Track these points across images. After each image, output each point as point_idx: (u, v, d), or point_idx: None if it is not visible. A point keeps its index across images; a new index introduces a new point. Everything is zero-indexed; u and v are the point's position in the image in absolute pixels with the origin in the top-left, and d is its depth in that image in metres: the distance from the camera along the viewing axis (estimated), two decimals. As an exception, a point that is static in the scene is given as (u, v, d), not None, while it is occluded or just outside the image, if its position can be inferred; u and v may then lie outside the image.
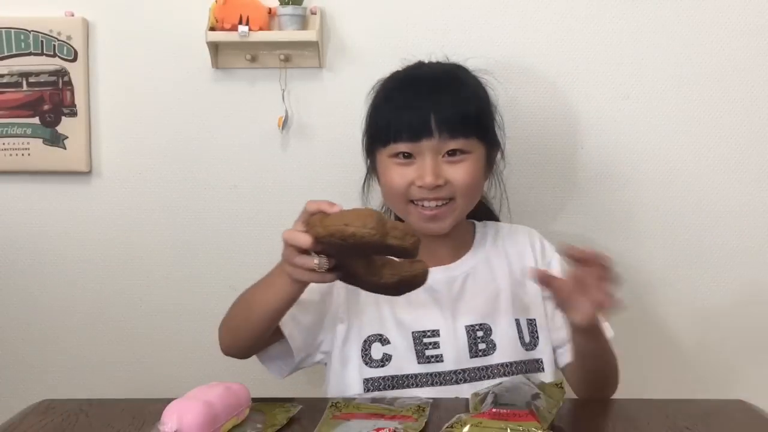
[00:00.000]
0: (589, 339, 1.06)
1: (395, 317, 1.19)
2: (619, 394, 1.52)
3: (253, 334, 1.10)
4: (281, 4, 1.46)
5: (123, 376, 1.58)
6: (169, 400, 0.87)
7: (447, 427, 0.86)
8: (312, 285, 1.11)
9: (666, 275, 1.56)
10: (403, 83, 1.23)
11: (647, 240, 1.55)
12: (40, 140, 1.52)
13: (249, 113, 1.53)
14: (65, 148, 1.52)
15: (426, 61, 1.29)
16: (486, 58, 1.51)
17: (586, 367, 1.14)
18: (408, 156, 1.17)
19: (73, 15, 1.50)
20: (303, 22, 1.46)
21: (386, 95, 1.24)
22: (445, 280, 1.21)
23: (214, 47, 1.49)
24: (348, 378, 1.18)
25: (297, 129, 1.53)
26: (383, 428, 0.88)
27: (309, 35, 1.45)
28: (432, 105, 1.15)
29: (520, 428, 0.82)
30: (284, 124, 1.51)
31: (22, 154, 1.52)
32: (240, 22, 1.43)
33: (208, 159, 1.55)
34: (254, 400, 0.97)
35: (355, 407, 0.98)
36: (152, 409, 0.95)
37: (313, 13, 1.48)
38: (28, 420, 0.98)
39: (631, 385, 1.57)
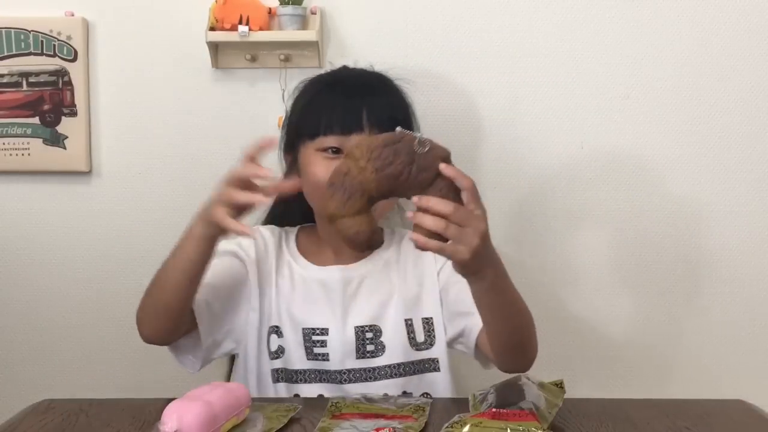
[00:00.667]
0: (483, 289, 1.04)
1: (289, 312, 1.21)
2: (618, 394, 1.52)
3: (170, 309, 1.10)
4: (281, 4, 1.46)
5: (123, 376, 1.58)
6: (169, 400, 0.87)
7: (447, 427, 0.86)
8: (225, 270, 1.15)
9: (666, 275, 1.56)
10: (334, 82, 1.29)
11: (647, 240, 1.55)
12: (40, 140, 1.52)
13: (249, 113, 1.53)
14: (65, 148, 1.52)
15: (350, 66, 1.34)
16: (487, 57, 1.52)
17: (497, 327, 1.10)
18: (336, 151, 1.19)
19: (73, 15, 1.50)
20: (303, 22, 1.46)
21: (316, 92, 1.27)
22: (341, 279, 1.22)
23: (214, 47, 1.49)
24: (263, 367, 1.20)
25: (297, 129, 1.52)
26: (383, 428, 0.88)
27: (309, 35, 1.45)
28: (364, 101, 1.20)
29: (520, 428, 0.82)
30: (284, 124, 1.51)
31: (22, 154, 1.52)
32: (240, 22, 1.43)
33: (208, 159, 1.55)
34: (254, 400, 0.97)
35: (355, 407, 0.98)
36: (152, 409, 0.96)
37: (313, 13, 1.48)
38: (28, 420, 0.98)
39: (631, 385, 1.58)
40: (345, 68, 1.34)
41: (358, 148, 0.95)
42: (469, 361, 1.26)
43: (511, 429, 0.82)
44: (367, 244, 0.96)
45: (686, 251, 1.56)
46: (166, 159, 1.55)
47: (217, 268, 1.14)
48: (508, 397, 0.91)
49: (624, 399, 1.07)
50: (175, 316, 1.11)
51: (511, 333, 1.10)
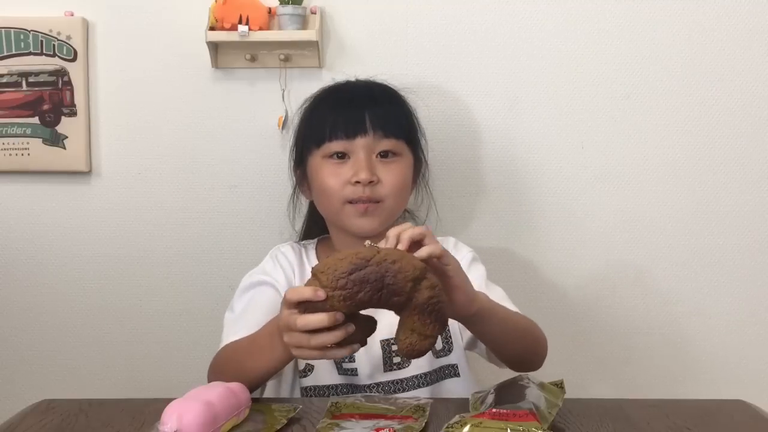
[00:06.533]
0: (475, 326, 1.05)
1: None
2: (619, 394, 1.52)
3: (251, 390, 1.08)
4: (281, 3, 1.46)
5: (123, 376, 1.58)
6: (169, 400, 0.87)
7: (447, 427, 0.86)
8: (267, 304, 1.14)
9: (667, 275, 1.56)
10: (338, 91, 1.31)
11: (648, 240, 1.55)
12: (40, 140, 1.52)
13: (249, 113, 1.53)
14: (65, 148, 1.52)
15: (354, 80, 1.36)
16: (487, 57, 1.52)
17: (502, 350, 1.13)
18: (342, 156, 1.21)
19: (73, 15, 1.50)
20: (303, 22, 1.46)
21: (320, 101, 1.30)
22: None
23: (214, 47, 1.49)
24: (292, 385, 1.22)
25: (297, 129, 1.53)
26: (383, 428, 0.88)
27: (309, 35, 1.45)
28: (366, 106, 1.22)
29: (520, 428, 0.82)
30: (284, 124, 1.51)
31: (22, 154, 1.52)
32: (240, 22, 1.43)
33: (208, 159, 1.55)
34: (254, 400, 0.97)
35: (355, 407, 0.98)
36: (152, 409, 0.95)
37: (313, 13, 1.48)
38: (28, 420, 0.98)
39: (631, 385, 1.59)
40: (347, 81, 1.35)
41: (324, 273, 0.87)
42: (487, 364, 1.27)
43: (511, 429, 0.82)
44: (363, 339, 0.93)
45: (686, 251, 1.56)
46: (166, 159, 1.55)
47: (260, 304, 1.15)
48: (508, 397, 0.91)
49: (624, 399, 1.07)
50: (256, 389, 1.10)
51: (515, 351, 1.13)
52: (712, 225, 1.55)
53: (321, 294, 0.86)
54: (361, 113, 1.21)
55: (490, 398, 0.94)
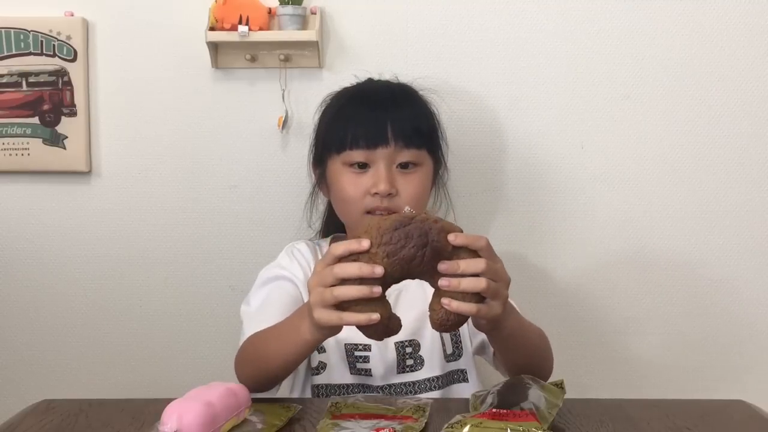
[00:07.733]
0: (502, 338, 1.03)
1: None
2: (619, 394, 1.52)
3: (276, 380, 1.10)
4: (281, 3, 1.46)
5: (123, 376, 1.58)
6: (169, 400, 0.86)
7: (447, 427, 0.86)
8: (287, 298, 1.14)
9: (667, 275, 1.56)
10: (359, 95, 1.29)
11: (648, 241, 1.56)
12: (40, 140, 1.52)
13: (249, 113, 1.53)
14: (65, 148, 1.52)
15: (375, 79, 1.35)
16: (486, 57, 1.52)
17: (513, 362, 1.12)
18: (362, 166, 1.21)
19: (73, 15, 1.50)
20: (303, 22, 1.46)
21: (342, 106, 1.28)
22: None
23: (214, 47, 1.49)
24: (305, 382, 1.21)
25: (297, 129, 1.53)
26: (383, 428, 0.88)
27: (309, 35, 1.45)
28: (389, 115, 1.21)
29: (520, 428, 0.82)
30: (284, 124, 1.51)
31: (22, 154, 1.52)
32: (240, 22, 1.43)
33: (208, 159, 1.55)
34: (254, 400, 0.97)
35: (355, 407, 0.98)
36: (152, 409, 0.95)
37: (313, 13, 1.48)
38: (28, 420, 0.98)
39: (631, 385, 1.58)
40: (370, 81, 1.34)
41: (367, 232, 0.88)
42: (495, 370, 1.27)
43: (511, 429, 0.82)
44: (383, 332, 0.90)
45: (686, 251, 1.56)
46: (166, 159, 1.55)
47: (279, 298, 1.15)
48: (509, 398, 0.91)
49: (624, 399, 1.07)
50: (281, 379, 1.12)
51: (526, 364, 1.11)
52: (712, 225, 1.55)
53: (365, 243, 0.86)
54: (383, 122, 1.20)
55: (490, 398, 0.94)
